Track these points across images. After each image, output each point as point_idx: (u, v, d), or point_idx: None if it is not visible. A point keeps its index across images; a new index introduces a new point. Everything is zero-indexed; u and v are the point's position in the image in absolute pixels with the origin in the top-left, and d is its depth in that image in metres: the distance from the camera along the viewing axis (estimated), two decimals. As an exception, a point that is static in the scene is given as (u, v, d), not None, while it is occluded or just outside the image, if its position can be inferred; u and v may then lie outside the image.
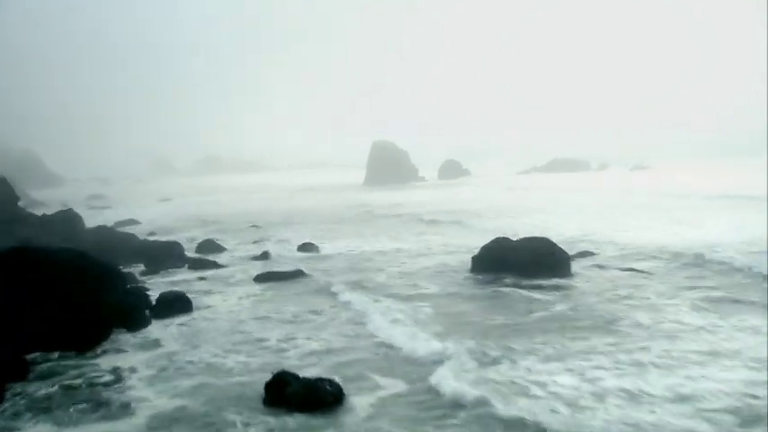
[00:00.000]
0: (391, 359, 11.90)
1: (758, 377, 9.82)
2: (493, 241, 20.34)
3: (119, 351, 13.00)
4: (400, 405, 9.79)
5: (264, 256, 24.64)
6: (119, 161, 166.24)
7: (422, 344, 12.38)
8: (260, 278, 20.00)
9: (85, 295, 13.85)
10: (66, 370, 11.80)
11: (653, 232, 26.78)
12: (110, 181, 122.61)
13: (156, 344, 13.42)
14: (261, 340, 13.34)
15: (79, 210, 33.31)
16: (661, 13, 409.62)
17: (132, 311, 14.89)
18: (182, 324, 14.93)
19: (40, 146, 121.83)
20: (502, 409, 9.20)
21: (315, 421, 9.30)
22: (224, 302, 17.10)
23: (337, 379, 10.41)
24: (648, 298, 15.33)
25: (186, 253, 24.79)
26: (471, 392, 9.81)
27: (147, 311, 15.50)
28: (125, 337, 13.82)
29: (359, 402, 9.86)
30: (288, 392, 9.90)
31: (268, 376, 10.41)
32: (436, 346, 12.15)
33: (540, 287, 16.94)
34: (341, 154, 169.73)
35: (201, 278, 20.71)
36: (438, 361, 11.40)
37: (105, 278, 14.95)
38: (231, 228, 36.10)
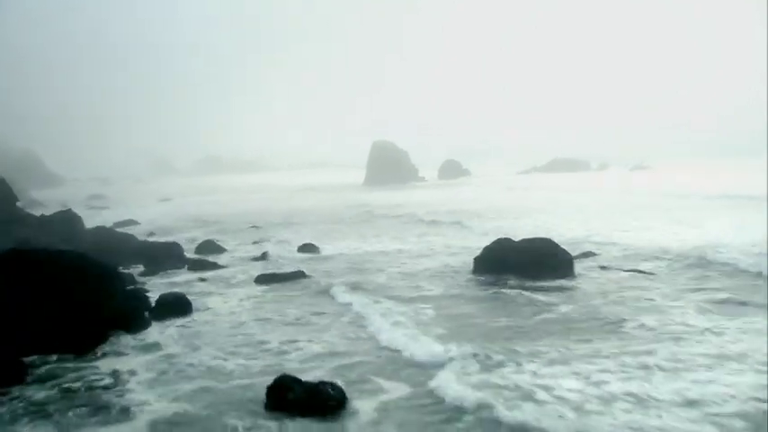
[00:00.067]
0: (394, 362, 11.76)
1: (766, 381, 9.68)
2: (495, 242, 20.21)
3: (118, 354, 12.85)
4: (404, 409, 9.65)
5: (265, 256, 24.51)
6: (119, 161, 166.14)
7: (424, 347, 12.21)
8: (260, 279, 19.86)
9: (84, 297, 13.73)
10: (64, 373, 11.65)
11: (654, 232, 26.66)
12: (110, 181, 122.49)
13: (155, 346, 13.25)
14: (262, 342, 13.19)
15: (78, 210, 33.14)
16: (661, 13, 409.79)
17: (131, 313, 14.74)
18: (182, 326, 14.78)
19: (40, 146, 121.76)
20: (506, 414, 9.05)
21: (317, 426, 9.17)
22: (224, 304, 16.96)
23: (340, 382, 10.27)
24: (653, 299, 15.19)
25: (186, 254, 24.64)
26: (475, 396, 9.64)
27: (147, 313, 15.36)
28: (124, 340, 13.67)
29: (362, 407, 9.71)
30: (290, 397, 9.76)
31: (269, 380, 10.26)
32: (439, 348, 11.97)
33: (543, 288, 16.81)
34: (341, 154, 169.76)
35: (201, 279, 20.57)
36: (441, 364, 11.22)
37: (104, 279, 14.82)
38: (231, 228, 35.97)
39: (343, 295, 17.17)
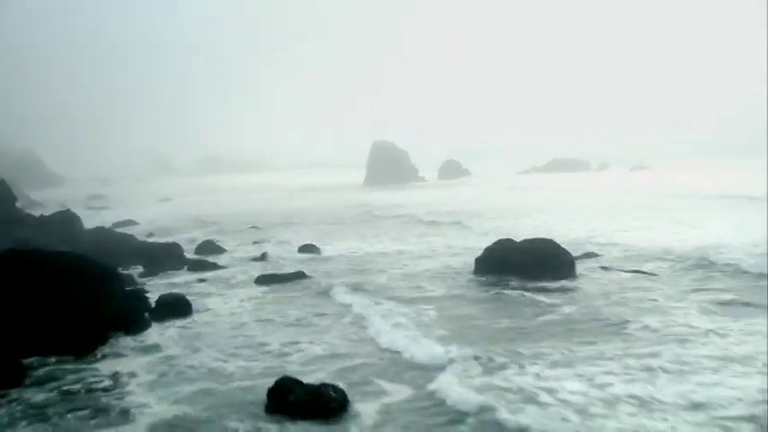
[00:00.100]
0: (396, 364, 11.66)
1: (772, 384, 9.59)
2: (496, 243, 20.12)
3: (118, 355, 12.75)
4: (406, 412, 9.56)
5: (265, 257, 24.41)
6: (118, 161, 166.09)
7: (426, 348, 12.11)
8: (261, 280, 19.77)
9: (83, 298, 13.65)
10: (63, 375, 11.55)
11: (655, 233, 26.60)
12: (109, 181, 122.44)
13: (155, 348, 13.16)
14: (263, 344, 13.09)
15: (78, 210, 33.08)
16: (661, 13, 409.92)
17: (131, 314, 14.65)
18: (182, 327, 14.69)
19: (40, 146, 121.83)
20: (509, 417, 8.95)
21: (319, 429, 9.08)
22: (225, 305, 16.86)
23: (341, 385, 10.19)
24: (656, 300, 15.09)
25: (186, 254, 24.54)
26: (477, 399, 9.54)
27: (147, 314, 15.27)
28: (124, 341, 13.57)
29: (364, 409, 9.62)
30: (291, 399, 9.67)
31: (270, 382, 10.17)
32: (440, 350, 11.85)
33: (545, 289, 16.71)
34: (341, 154, 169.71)
35: (201, 280, 20.48)
36: (442, 366, 11.13)
37: (103, 280, 14.73)
38: (231, 228, 35.87)
39: (344, 296, 17.08)
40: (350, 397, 9.84)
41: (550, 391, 9.70)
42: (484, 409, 9.27)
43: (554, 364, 10.88)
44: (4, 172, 32.04)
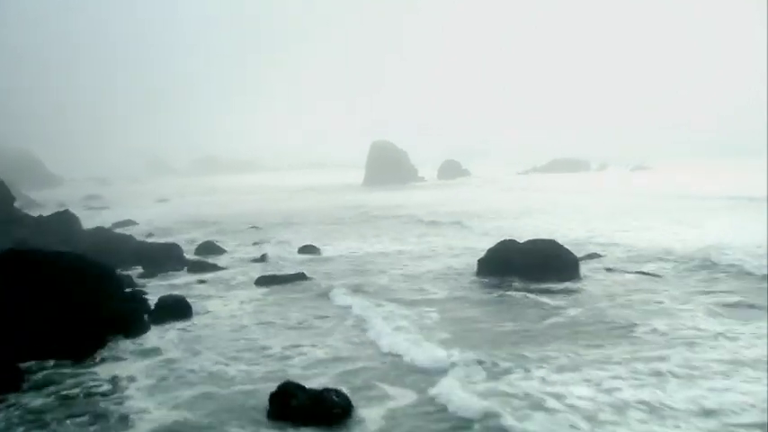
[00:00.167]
0: (399, 368, 11.49)
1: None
2: (499, 243, 19.94)
3: (117, 359, 12.55)
4: (411, 417, 9.38)
5: (265, 258, 24.21)
6: (117, 161, 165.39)
7: (429, 352, 11.92)
8: (261, 281, 19.58)
9: (82, 299, 13.46)
10: (62, 379, 11.36)
11: (655, 233, 26.53)
12: (107, 181, 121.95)
13: (155, 351, 12.96)
14: (264, 347, 12.90)
15: (76, 210, 32.90)
16: (661, 13, 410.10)
17: (130, 317, 14.46)
18: (182, 330, 14.49)
19: (38, 146, 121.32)
20: (516, 424, 8.74)
21: (322, 436, 8.90)
22: (225, 307, 16.67)
23: (344, 389, 9.99)
24: (662, 302, 14.92)
25: (185, 255, 24.33)
26: (481, 405, 9.33)
27: (146, 316, 15.08)
28: (123, 344, 13.38)
29: (368, 414, 9.44)
30: (293, 404, 9.48)
31: (272, 386, 10.00)
32: (443, 354, 11.66)
33: (549, 291, 16.54)
34: (341, 154, 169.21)
35: (201, 281, 20.28)
36: (444, 370, 10.95)
37: (102, 281, 14.57)
38: (230, 229, 35.66)
39: (345, 298, 16.89)
40: (353, 402, 9.66)
41: (558, 397, 9.52)
42: (488, 415, 9.07)
43: (560, 369, 10.70)
44: (2, 172, 31.88)
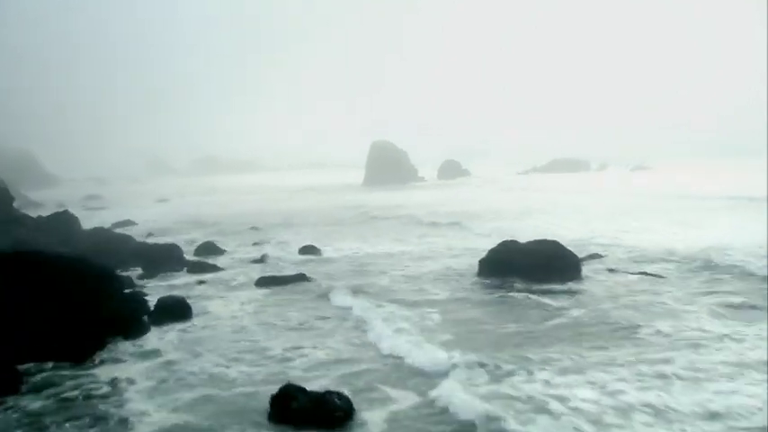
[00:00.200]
0: (400, 370, 11.40)
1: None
2: (500, 244, 19.84)
3: (116, 361, 12.45)
4: (413, 420, 9.29)
5: (265, 259, 24.11)
6: (116, 161, 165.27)
7: (430, 354, 11.82)
8: (261, 282, 19.48)
9: (81, 300, 13.36)
10: (61, 381, 11.27)
11: (656, 234, 26.47)
12: (107, 181, 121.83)
13: (155, 353, 12.87)
14: (265, 349, 12.81)
15: (75, 210, 32.80)
16: (661, 13, 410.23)
17: (130, 318, 14.37)
18: (182, 331, 14.40)
19: (37, 146, 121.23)
20: (519, 428, 8.63)
21: (324, 439, 8.81)
22: (225, 308, 16.57)
23: (346, 391, 9.90)
24: (665, 303, 14.83)
25: (185, 255, 24.22)
26: (483, 408, 9.21)
27: (146, 318, 14.98)
28: (123, 346, 13.28)
29: (371, 418, 9.35)
30: (294, 407, 9.39)
31: (273, 388, 9.92)
32: (444, 356, 11.55)
33: (551, 292, 16.44)
34: (341, 154, 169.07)
35: (201, 282, 20.18)
36: (445, 372, 10.84)
37: (102, 282, 14.47)
38: (230, 229, 35.55)
39: (345, 299, 16.79)
40: (356, 405, 9.56)
41: (561, 399, 9.42)
42: (491, 418, 8.96)
43: (564, 371, 10.60)
44: (1, 172, 31.74)
